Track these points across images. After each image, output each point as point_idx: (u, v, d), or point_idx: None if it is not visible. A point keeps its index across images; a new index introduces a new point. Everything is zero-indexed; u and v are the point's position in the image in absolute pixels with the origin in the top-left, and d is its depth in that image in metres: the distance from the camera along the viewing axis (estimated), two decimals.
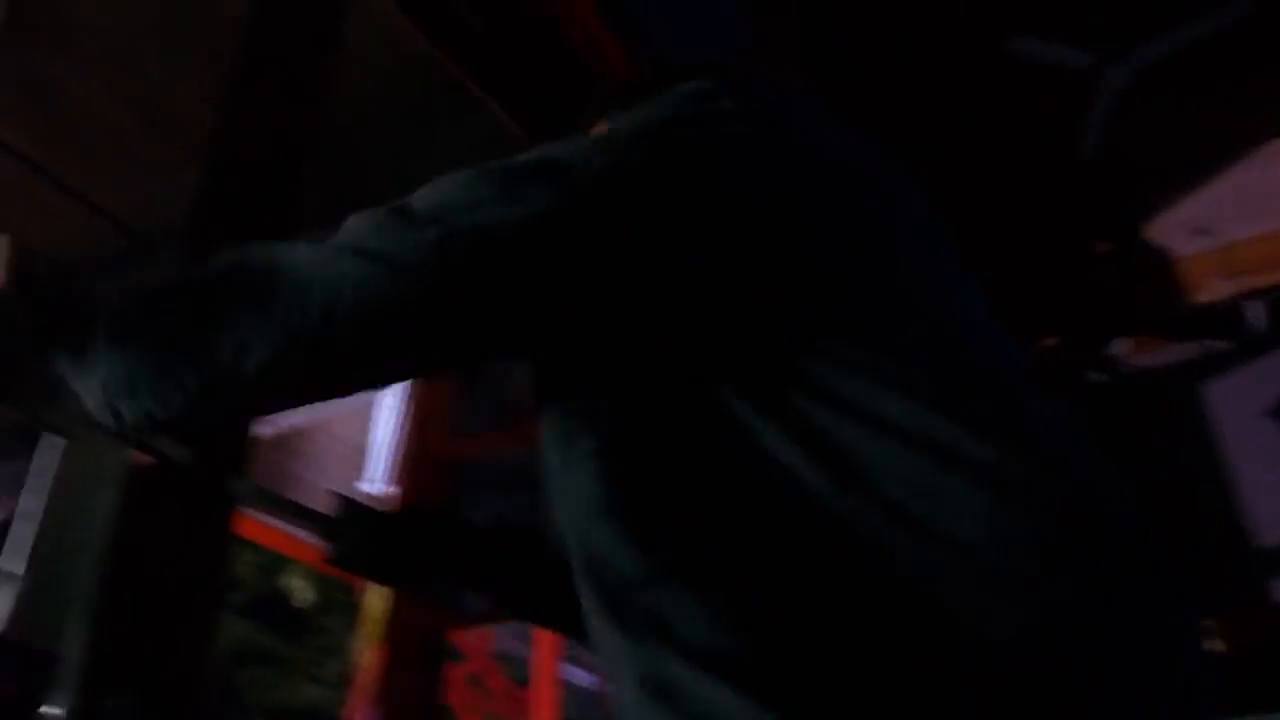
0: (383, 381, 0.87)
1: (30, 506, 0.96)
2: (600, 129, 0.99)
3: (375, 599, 3.24)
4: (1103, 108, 3.02)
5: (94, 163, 3.83)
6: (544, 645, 4.46)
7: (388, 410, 4.19)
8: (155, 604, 0.97)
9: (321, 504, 1.10)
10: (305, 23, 1.47)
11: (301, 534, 1.14)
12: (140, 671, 0.94)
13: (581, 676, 6.46)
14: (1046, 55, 2.90)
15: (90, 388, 0.78)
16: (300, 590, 8.34)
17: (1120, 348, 3.54)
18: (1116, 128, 3.11)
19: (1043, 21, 2.86)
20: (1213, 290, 3.45)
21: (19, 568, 0.93)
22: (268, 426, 3.91)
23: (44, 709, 0.90)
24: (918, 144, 3.08)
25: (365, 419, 4.84)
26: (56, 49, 3.27)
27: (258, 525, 3.33)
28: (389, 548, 1.10)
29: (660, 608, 0.70)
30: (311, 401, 0.82)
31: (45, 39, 3.18)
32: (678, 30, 2.30)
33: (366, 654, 3.48)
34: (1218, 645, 2.67)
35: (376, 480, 4.13)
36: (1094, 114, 3.04)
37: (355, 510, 1.10)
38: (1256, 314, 3.23)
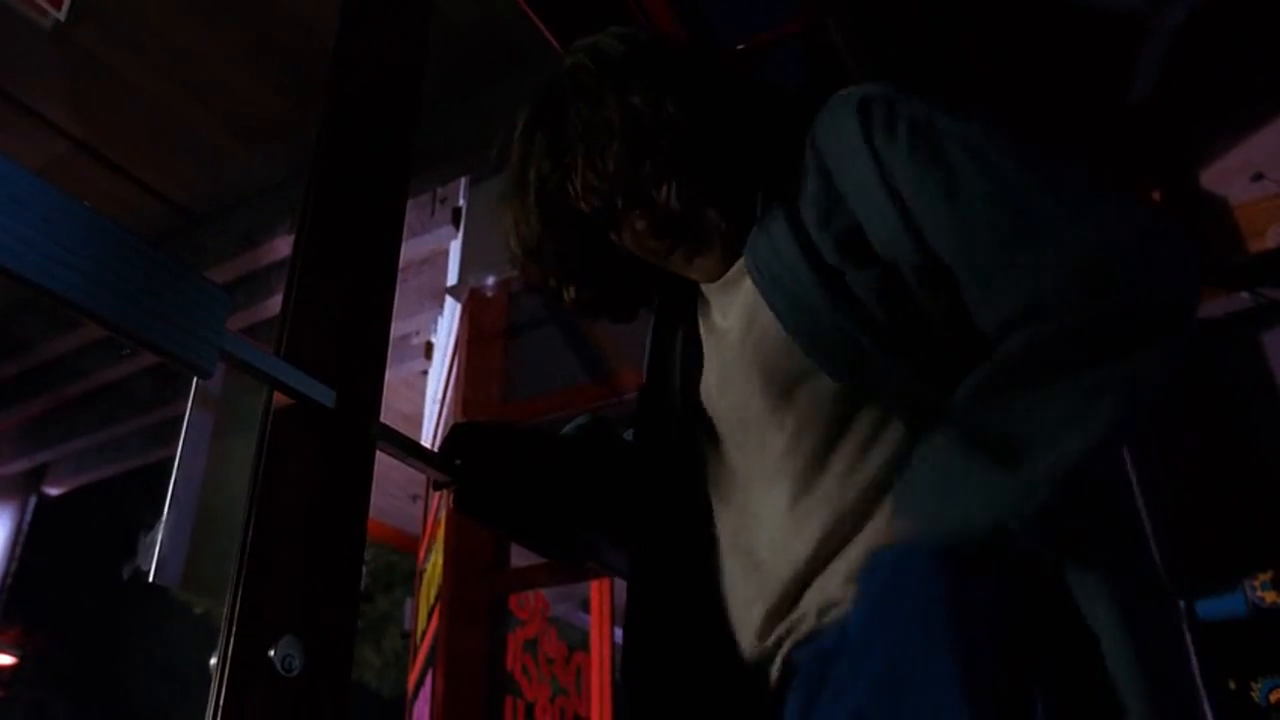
0: None
1: (184, 455, 0.99)
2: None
3: (436, 564, 3.29)
4: (1155, 49, 2.95)
5: (145, 143, 3.89)
6: (599, 610, 4.51)
7: (438, 378, 4.22)
8: (305, 549, 1.00)
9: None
10: None
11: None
12: (300, 616, 0.97)
13: None
14: None
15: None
16: None
17: None
18: (1169, 70, 3.04)
19: None
20: (1270, 237, 3.37)
21: (176, 515, 0.97)
22: None
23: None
24: (966, 91, 3.03)
25: (412, 388, 4.90)
26: (108, 33, 3.32)
27: None
28: (510, 491, 1.15)
29: None
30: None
31: (97, 24, 3.23)
32: None
33: (428, 619, 3.54)
34: (1276, 598, 2.64)
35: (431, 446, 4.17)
36: (1146, 56, 2.97)
37: (478, 459, 1.16)
38: None
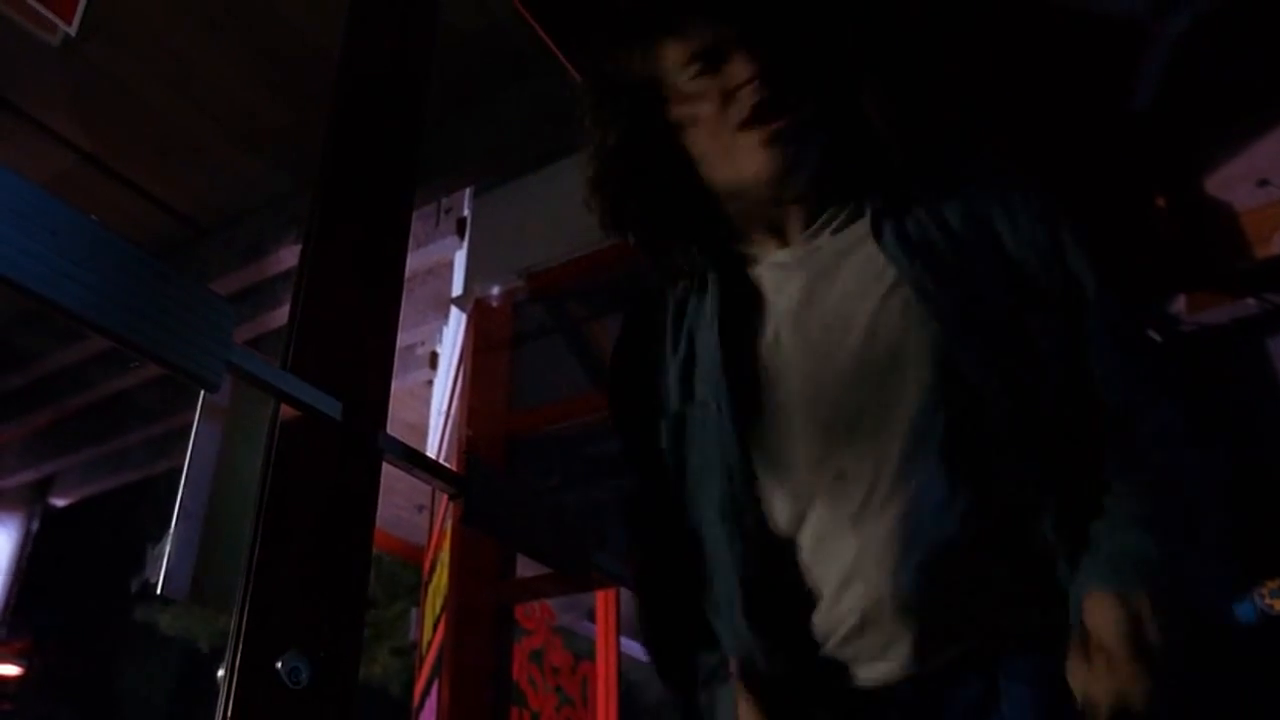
0: None
1: (191, 467, 1.00)
2: None
3: (442, 575, 3.29)
4: (1157, 57, 2.95)
5: (152, 155, 3.91)
6: (605, 620, 4.50)
7: (443, 388, 4.23)
8: (312, 561, 1.00)
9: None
10: None
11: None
12: (307, 627, 0.97)
13: (639, 650, 6.50)
14: (1098, 4, 2.84)
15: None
16: None
17: (1179, 305, 3.47)
18: (1173, 77, 3.03)
19: None
20: (1276, 243, 3.37)
21: (184, 527, 0.97)
22: None
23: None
24: (967, 100, 3.03)
25: (418, 398, 4.90)
26: (115, 46, 3.34)
27: None
28: (513, 504, 1.15)
29: None
30: None
31: (105, 37, 3.25)
32: None
33: (433, 629, 3.53)
34: None
35: (436, 455, 4.16)
36: (1149, 64, 2.97)
37: (482, 468, 1.15)
38: None
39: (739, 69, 0.99)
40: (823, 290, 1.00)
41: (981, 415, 0.90)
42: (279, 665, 0.95)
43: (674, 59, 1.02)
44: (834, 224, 1.03)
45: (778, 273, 1.04)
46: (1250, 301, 3.22)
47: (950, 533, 0.88)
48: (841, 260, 1.01)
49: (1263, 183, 3.33)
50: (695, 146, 1.02)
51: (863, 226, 1.01)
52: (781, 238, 1.05)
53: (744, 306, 1.03)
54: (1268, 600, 2.64)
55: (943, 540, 0.88)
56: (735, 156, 1.00)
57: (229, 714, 0.94)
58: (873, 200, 1.01)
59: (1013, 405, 0.90)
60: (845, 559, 0.92)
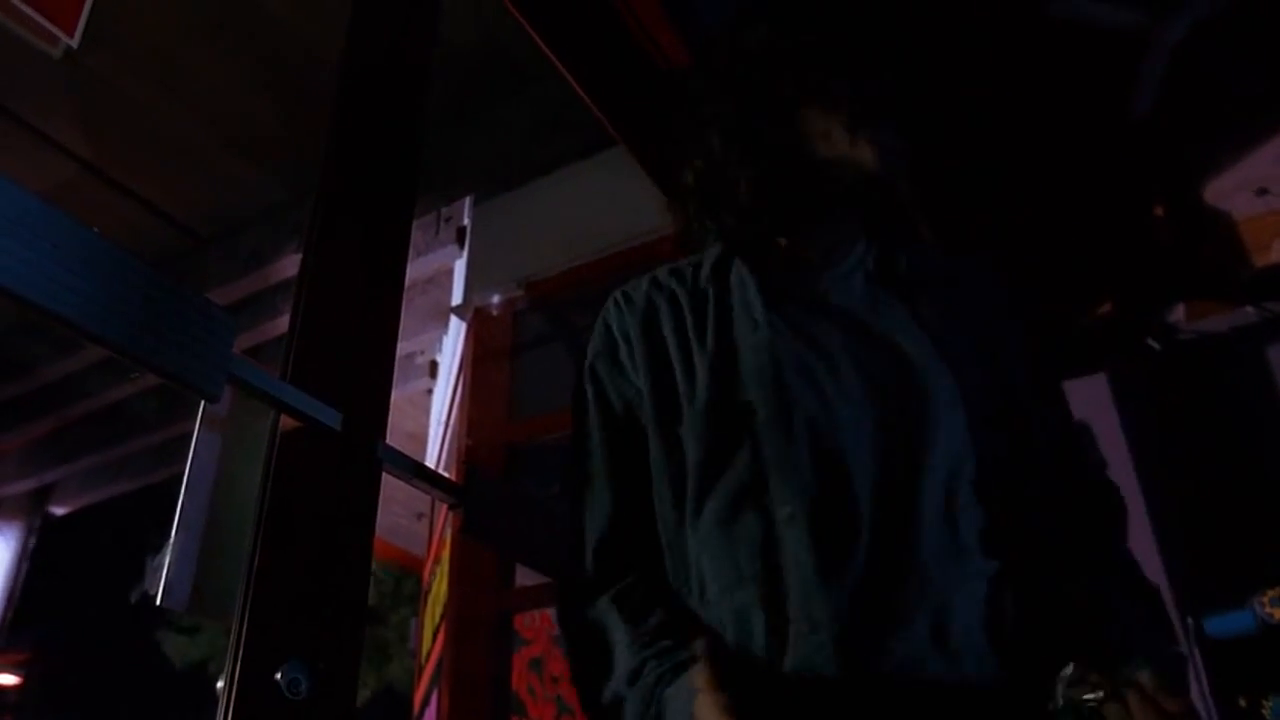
0: None
1: (191, 477, 1.00)
2: None
3: (441, 584, 3.29)
4: (1155, 65, 2.96)
5: (152, 165, 3.92)
6: None
7: (442, 397, 4.22)
8: (311, 572, 1.00)
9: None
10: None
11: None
12: (306, 638, 0.97)
13: None
14: (1094, 13, 2.84)
15: None
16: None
17: (1178, 313, 3.47)
18: (1171, 86, 3.04)
19: None
20: (1274, 251, 3.37)
21: (184, 538, 0.97)
22: None
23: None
24: (964, 112, 3.04)
25: (417, 407, 4.90)
26: (116, 56, 3.35)
27: None
28: (512, 514, 1.14)
29: None
30: None
31: (106, 47, 3.26)
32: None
33: (432, 638, 3.53)
34: None
35: (435, 464, 4.16)
36: (1147, 72, 2.98)
37: (481, 478, 1.15)
38: None
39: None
40: (871, 322, 1.06)
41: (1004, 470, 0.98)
42: (278, 676, 0.95)
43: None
44: (869, 260, 1.12)
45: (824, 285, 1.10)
46: (1249, 310, 3.22)
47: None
48: (881, 296, 1.08)
49: (1261, 191, 3.34)
50: (808, 126, 1.10)
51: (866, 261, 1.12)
52: (826, 257, 1.11)
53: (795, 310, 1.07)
54: (1268, 609, 2.63)
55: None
56: (852, 150, 1.09)
57: None
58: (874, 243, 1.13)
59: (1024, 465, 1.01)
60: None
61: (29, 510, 6.88)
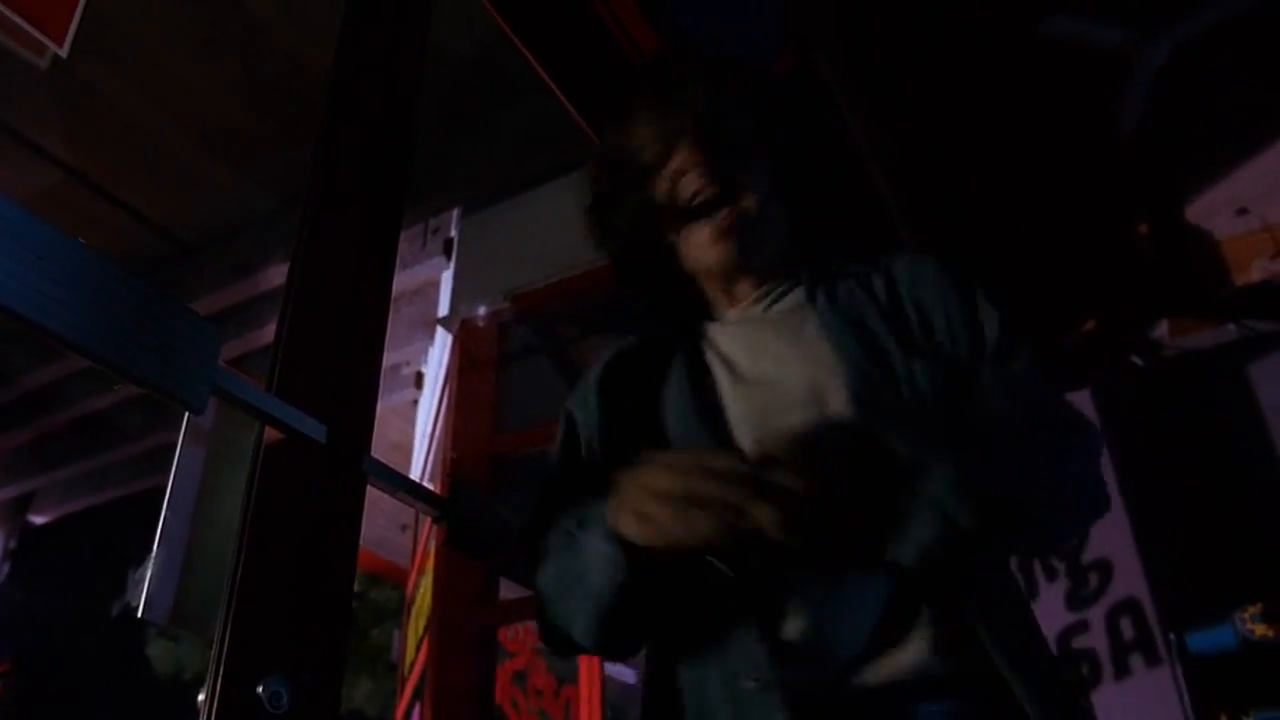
0: None
1: (174, 489, 0.99)
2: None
3: (425, 596, 3.27)
4: (1139, 85, 2.99)
5: (139, 173, 3.90)
6: None
7: (428, 408, 4.22)
8: (294, 585, 1.00)
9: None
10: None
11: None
12: (288, 652, 0.97)
13: (624, 673, 6.46)
14: (1079, 34, 2.87)
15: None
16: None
17: (1161, 330, 3.50)
18: (1154, 106, 3.07)
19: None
20: (1255, 270, 3.40)
21: (166, 550, 0.97)
22: None
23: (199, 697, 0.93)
24: (950, 129, 3.06)
25: (403, 418, 4.89)
26: (104, 64, 3.34)
27: None
28: (496, 527, 1.14)
29: None
30: None
31: (93, 55, 3.25)
32: (709, 15, 2.31)
33: (416, 651, 3.51)
34: (1266, 630, 2.64)
35: (420, 476, 4.14)
36: (1130, 92, 3.01)
37: (466, 491, 1.15)
38: None
39: (684, 159, 1.09)
40: (764, 343, 1.10)
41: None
42: (260, 690, 0.94)
43: (639, 141, 1.12)
44: (778, 291, 1.14)
45: (731, 329, 1.14)
46: (1231, 327, 3.25)
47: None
48: (782, 319, 1.12)
49: (1242, 211, 3.37)
50: (665, 235, 1.13)
51: (800, 294, 1.13)
52: (734, 300, 1.16)
53: (705, 364, 1.12)
54: (1249, 625, 2.65)
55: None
56: (693, 246, 1.11)
57: None
58: (809, 274, 1.14)
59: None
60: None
61: (8, 519, 6.82)
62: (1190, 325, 3.41)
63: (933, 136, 3.05)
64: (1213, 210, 3.41)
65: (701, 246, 1.10)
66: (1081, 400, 3.18)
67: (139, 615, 0.99)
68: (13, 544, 6.87)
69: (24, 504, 6.74)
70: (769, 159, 1.14)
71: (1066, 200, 3.39)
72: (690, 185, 1.07)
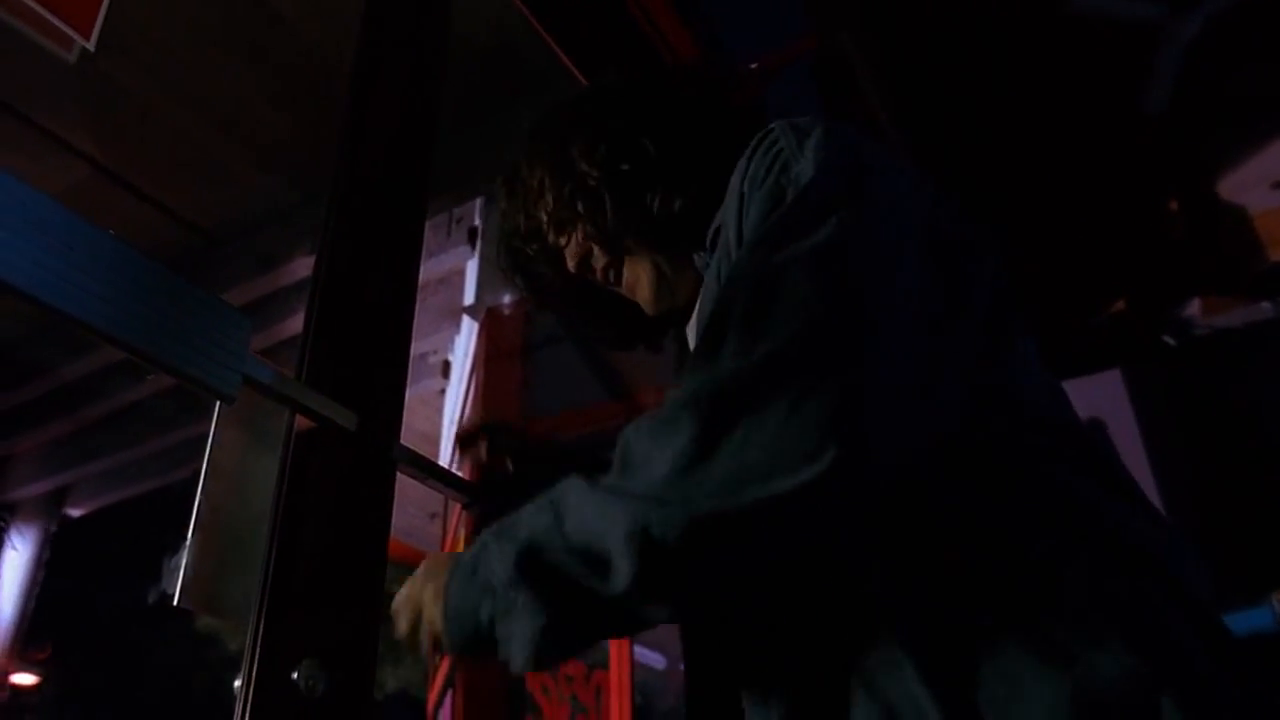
0: None
1: (207, 477, 1.00)
2: None
3: None
4: (1170, 60, 2.95)
5: (165, 168, 3.94)
6: None
7: (455, 397, 4.24)
8: (327, 571, 1.00)
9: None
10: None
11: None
12: (322, 638, 0.97)
13: (653, 658, 6.49)
14: (1109, 8, 2.83)
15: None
16: None
17: (1192, 308, 3.45)
18: (1185, 80, 3.02)
19: None
20: None
21: (200, 539, 0.97)
22: None
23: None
24: (979, 106, 3.03)
25: (430, 407, 4.91)
26: (130, 60, 3.37)
27: None
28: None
29: None
30: None
31: (119, 51, 3.28)
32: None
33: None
34: None
35: (448, 464, 4.16)
36: (1161, 66, 2.96)
37: (495, 478, 1.15)
38: None
39: (580, 242, 1.06)
40: None
41: None
42: (295, 676, 0.95)
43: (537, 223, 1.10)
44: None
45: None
46: (1265, 305, 3.20)
47: None
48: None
49: (1275, 186, 3.32)
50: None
51: None
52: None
53: None
54: None
55: None
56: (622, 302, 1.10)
57: None
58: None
59: None
60: None
61: (46, 513, 6.93)
62: (1222, 304, 3.37)
63: (958, 116, 3.02)
64: (1245, 186, 3.36)
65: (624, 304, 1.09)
66: (1111, 381, 3.15)
67: (174, 603, 1.00)
68: (50, 538, 6.97)
69: (60, 498, 6.84)
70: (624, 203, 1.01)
71: (1095, 178, 3.35)
72: (595, 264, 1.06)
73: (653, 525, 0.63)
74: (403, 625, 0.86)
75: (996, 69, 2.94)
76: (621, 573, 0.65)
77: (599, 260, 1.06)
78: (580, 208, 1.01)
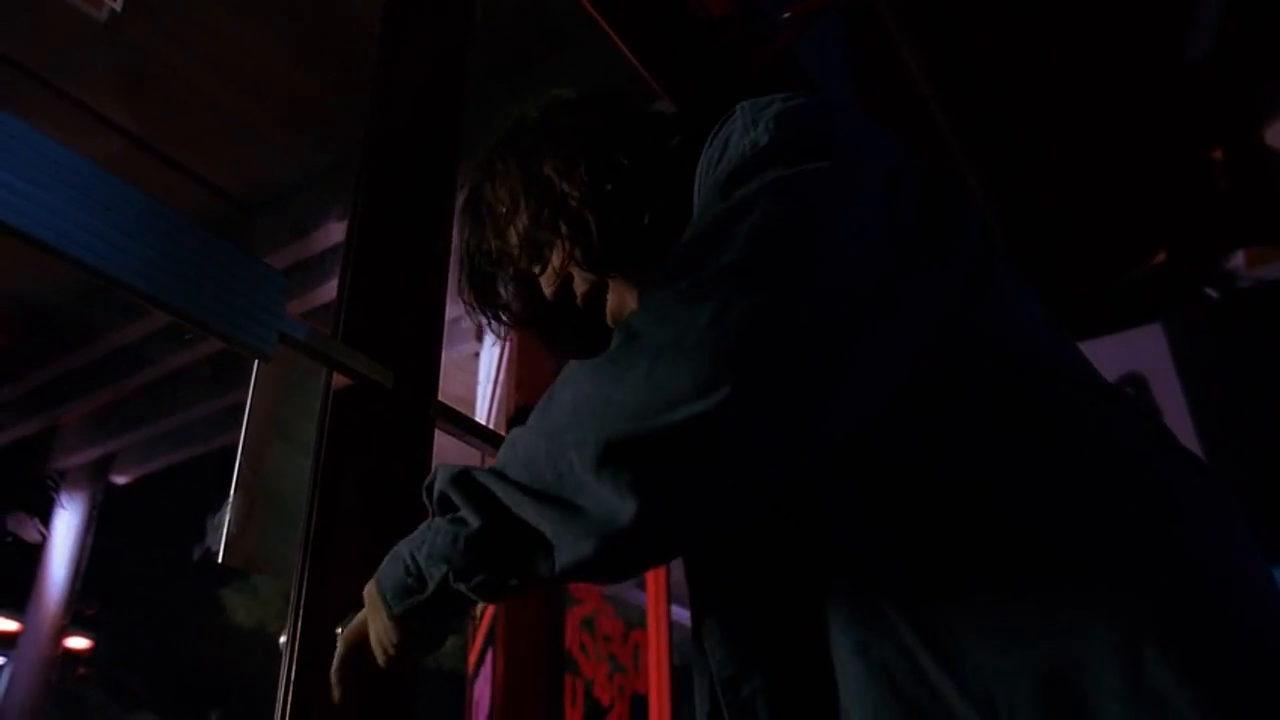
0: None
1: (248, 436, 1.01)
2: None
3: None
4: (1213, 6, 2.87)
5: (196, 135, 3.96)
6: (655, 588, 4.52)
7: (490, 358, 4.25)
8: (367, 526, 1.01)
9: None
10: None
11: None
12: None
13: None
14: None
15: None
16: None
17: (1236, 261, 3.39)
18: (1228, 26, 2.94)
19: None
20: None
21: (242, 496, 0.99)
22: None
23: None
24: (1012, 60, 2.97)
25: (464, 370, 4.94)
26: (158, 27, 3.37)
27: None
28: None
29: None
30: None
31: (148, 18, 3.28)
32: None
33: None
34: None
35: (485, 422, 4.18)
36: (1204, 12, 2.88)
37: None
38: None
39: (561, 264, 0.98)
40: None
41: None
42: (339, 630, 0.96)
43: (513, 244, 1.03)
44: None
45: None
46: None
47: None
48: None
49: None
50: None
51: None
52: None
53: None
54: None
55: None
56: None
57: (292, 680, 0.95)
58: None
59: None
60: None
61: (91, 480, 7.07)
62: (1266, 255, 3.30)
63: (994, 70, 2.96)
64: None
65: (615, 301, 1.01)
66: (1153, 335, 3.10)
67: (219, 560, 1.02)
68: (97, 505, 7.13)
69: (105, 465, 6.98)
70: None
71: (1136, 128, 3.28)
72: (576, 289, 0.98)
73: (569, 446, 0.66)
74: (341, 649, 0.88)
75: (1032, 16, 2.87)
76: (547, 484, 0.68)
77: (580, 285, 0.99)
78: (564, 230, 0.96)
